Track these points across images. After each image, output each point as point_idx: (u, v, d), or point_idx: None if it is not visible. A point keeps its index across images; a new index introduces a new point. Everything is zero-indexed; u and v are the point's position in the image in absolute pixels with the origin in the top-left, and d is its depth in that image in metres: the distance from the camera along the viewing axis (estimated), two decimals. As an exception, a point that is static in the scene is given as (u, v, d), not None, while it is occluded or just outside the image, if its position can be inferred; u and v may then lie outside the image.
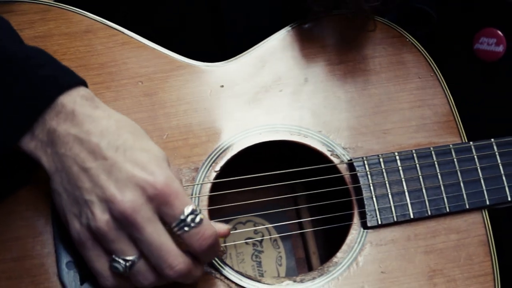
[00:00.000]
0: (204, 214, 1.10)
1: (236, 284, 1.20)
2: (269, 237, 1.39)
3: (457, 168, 1.29)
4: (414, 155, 1.29)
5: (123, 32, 1.26)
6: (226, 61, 1.30)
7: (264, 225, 1.39)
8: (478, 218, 1.29)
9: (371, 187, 1.27)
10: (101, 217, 1.05)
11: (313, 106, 1.30)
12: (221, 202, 1.26)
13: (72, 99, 1.07)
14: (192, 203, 1.07)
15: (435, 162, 1.29)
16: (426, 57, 1.35)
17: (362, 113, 1.31)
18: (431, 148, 1.30)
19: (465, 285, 1.25)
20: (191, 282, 1.12)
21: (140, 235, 1.05)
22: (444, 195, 1.28)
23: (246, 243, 1.39)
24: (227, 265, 1.21)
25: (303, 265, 1.39)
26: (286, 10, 1.37)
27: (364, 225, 1.26)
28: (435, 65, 1.35)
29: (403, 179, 1.28)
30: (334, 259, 1.24)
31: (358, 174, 1.27)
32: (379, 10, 1.31)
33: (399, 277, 1.24)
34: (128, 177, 1.05)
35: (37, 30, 1.24)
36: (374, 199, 1.26)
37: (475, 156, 1.30)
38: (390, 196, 1.27)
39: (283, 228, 1.39)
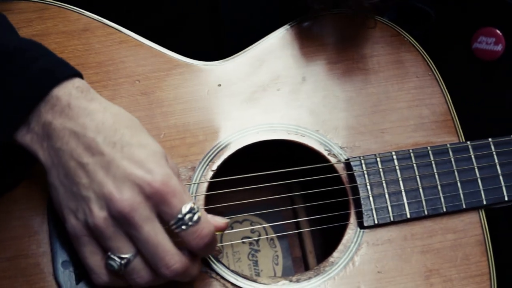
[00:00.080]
0: (202, 211, 1.10)
1: (232, 284, 1.20)
2: (266, 236, 1.39)
3: (454, 167, 1.29)
4: (411, 154, 1.29)
5: (120, 31, 1.26)
6: (224, 60, 1.30)
7: (261, 224, 1.39)
8: (475, 218, 1.29)
9: (368, 187, 1.26)
10: (99, 213, 1.05)
11: (311, 105, 1.30)
12: (218, 201, 1.26)
13: (68, 91, 1.07)
14: (191, 201, 1.07)
15: (432, 162, 1.29)
16: (424, 56, 1.35)
17: (360, 112, 1.31)
18: (428, 148, 1.29)
19: (461, 285, 1.25)
20: (187, 281, 1.12)
21: (137, 234, 1.05)
22: (441, 194, 1.28)
23: (243, 242, 1.39)
24: (223, 264, 1.21)
25: (300, 264, 1.39)
26: (284, 9, 1.37)
27: (361, 225, 1.26)
28: (433, 64, 1.35)
29: (400, 179, 1.28)
30: (331, 259, 1.24)
31: (355, 173, 1.27)
32: (379, 7, 1.31)
33: (395, 277, 1.24)
34: (125, 174, 1.04)
35: (35, 29, 1.23)
36: (371, 198, 1.26)
37: (473, 156, 1.30)
38: (387, 195, 1.27)
39: (280, 228, 1.39)
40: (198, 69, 1.28)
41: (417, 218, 1.27)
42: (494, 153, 1.31)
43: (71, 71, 1.09)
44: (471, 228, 1.28)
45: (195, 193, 1.22)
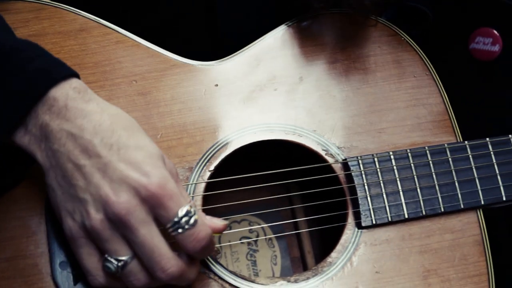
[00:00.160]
0: (199, 214, 1.10)
1: (230, 284, 1.20)
2: (265, 237, 1.39)
3: (452, 167, 1.29)
4: (409, 154, 1.29)
5: (117, 31, 1.26)
6: (221, 60, 1.30)
7: (259, 224, 1.39)
8: (473, 218, 1.29)
9: (366, 187, 1.26)
10: (95, 216, 1.05)
11: (308, 105, 1.30)
12: (216, 202, 1.26)
13: (65, 91, 1.07)
14: (187, 204, 1.06)
15: (430, 162, 1.29)
16: (421, 56, 1.35)
17: (357, 112, 1.31)
18: (426, 148, 1.29)
19: (459, 285, 1.25)
20: (184, 284, 1.12)
21: (133, 237, 1.05)
22: (439, 194, 1.28)
23: (241, 242, 1.39)
24: (221, 265, 1.20)
25: (298, 264, 1.39)
26: (281, 9, 1.37)
27: (359, 225, 1.25)
28: (430, 64, 1.34)
29: (397, 179, 1.27)
30: (328, 259, 1.24)
31: (352, 173, 1.26)
32: (380, 5, 1.30)
33: (393, 277, 1.24)
34: (122, 177, 1.04)
35: (31, 29, 1.23)
36: (369, 198, 1.26)
37: (470, 156, 1.30)
38: (384, 195, 1.27)
39: (278, 228, 1.39)
40: (195, 69, 1.28)
41: (415, 218, 1.27)
42: (491, 153, 1.31)
43: (68, 71, 1.09)
44: (469, 228, 1.28)
45: (193, 194, 1.22)
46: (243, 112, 1.28)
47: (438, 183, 1.28)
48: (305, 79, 1.31)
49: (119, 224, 1.04)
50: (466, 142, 1.31)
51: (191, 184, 1.22)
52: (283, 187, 1.37)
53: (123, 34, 1.26)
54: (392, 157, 1.28)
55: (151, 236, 1.05)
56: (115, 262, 1.06)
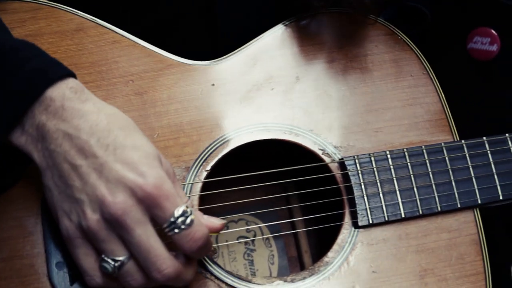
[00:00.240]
0: (196, 214, 1.10)
1: (227, 284, 1.20)
2: (262, 236, 1.39)
3: (449, 167, 1.29)
4: (406, 153, 1.29)
5: (113, 31, 1.26)
6: (218, 59, 1.29)
7: (256, 224, 1.39)
8: (469, 217, 1.29)
9: (362, 186, 1.26)
10: (92, 216, 1.05)
11: (305, 105, 1.30)
12: (213, 202, 1.26)
13: (61, 91, 1.07)
14: (184, 204, 1.06)
15: (427, 161, 1.29)
16: (418, 55, 1.35)
17: (354, 111, 1.31)
18: (423, 147, 1.29)
19: (456, 284, 1.25)
20: (182, 285, 1.12)
21: (130, 237, 1.05)
22: (435, 194, 1.28)
23: (239, 242, 1.39)
24: (218, 265, 1.20)
25: (295, 264, 1.39)
26: (280, 9, 1.36)
27: (355, 225, 1.25)
28: (427, 63, 1.34)
29: (394, 178, 1.27)
30: (325, 259, 1.24)
31: (349, 173, 1.26)
32: (379, 4, 1.30)
33: (390, 276, 1.24)
34: (118, 177, 1.04)
35: (28, 29, 1.23)
36: (365, 198, 1.26)
37: (467, 155, 1.30)
38: (381, 195, 1.27)
39: (275, 227, 1.39)
40: (191, 68, 1.27)
41: (411, 217, 1.27)
42: (488, 151, 1.31)
43: (64, 71, 1.09)
44: (466, 227, 1.28)
45: (189, 194, 1.22)
46: (240, 112, 1.28)
47: (435, 183, 1.28)
48: (302, 79, 1.31)
49: (115, 225, 1.04)
50: (463, 141, 1.31)
51: (188, 184, 1.22)
52: (280, 186, 1.37)
53: (119, 34, 1.26)
54: (388, 156, 1.28)
55: (147, 236, 1.05)
56: (112, 263, 1.06)
